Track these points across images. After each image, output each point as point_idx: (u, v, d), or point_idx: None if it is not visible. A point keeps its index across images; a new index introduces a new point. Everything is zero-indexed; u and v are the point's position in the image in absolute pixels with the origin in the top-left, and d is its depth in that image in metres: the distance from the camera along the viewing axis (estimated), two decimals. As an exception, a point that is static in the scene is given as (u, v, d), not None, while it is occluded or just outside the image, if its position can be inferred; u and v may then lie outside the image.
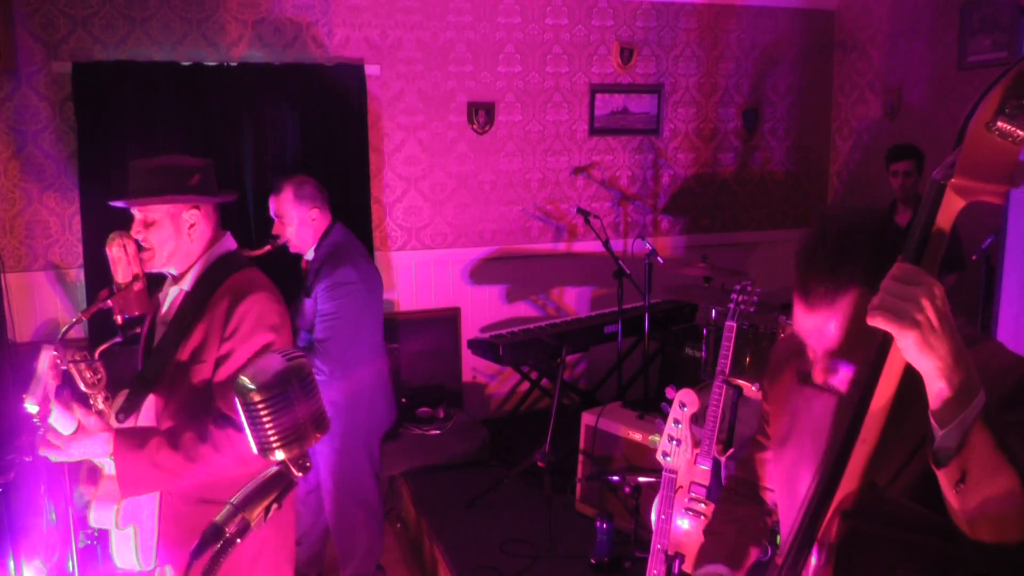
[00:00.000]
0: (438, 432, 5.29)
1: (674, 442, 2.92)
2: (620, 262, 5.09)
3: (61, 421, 2.25)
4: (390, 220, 5.72)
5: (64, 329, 2.44)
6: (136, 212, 2.45)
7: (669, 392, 2.96)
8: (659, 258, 4.85)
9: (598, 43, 5.96)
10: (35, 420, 2.32)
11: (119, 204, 2.43)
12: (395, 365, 5.25)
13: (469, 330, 5.85)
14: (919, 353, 1.21)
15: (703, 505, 3.38)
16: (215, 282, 2.45)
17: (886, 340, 1.31)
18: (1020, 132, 1.17)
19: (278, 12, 5.25)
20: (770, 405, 1.84)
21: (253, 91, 5.15)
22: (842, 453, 1.38)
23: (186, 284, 2.49)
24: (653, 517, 3.16)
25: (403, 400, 5.43)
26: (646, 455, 4.23)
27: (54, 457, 2.22)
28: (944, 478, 1.25)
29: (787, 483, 1.69)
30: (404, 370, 5.52)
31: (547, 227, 6.09)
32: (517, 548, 4.25)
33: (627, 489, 4.14)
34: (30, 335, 5.07)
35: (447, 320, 5.89)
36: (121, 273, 2.44)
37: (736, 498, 1.93)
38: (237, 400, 1.22)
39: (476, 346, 5.12)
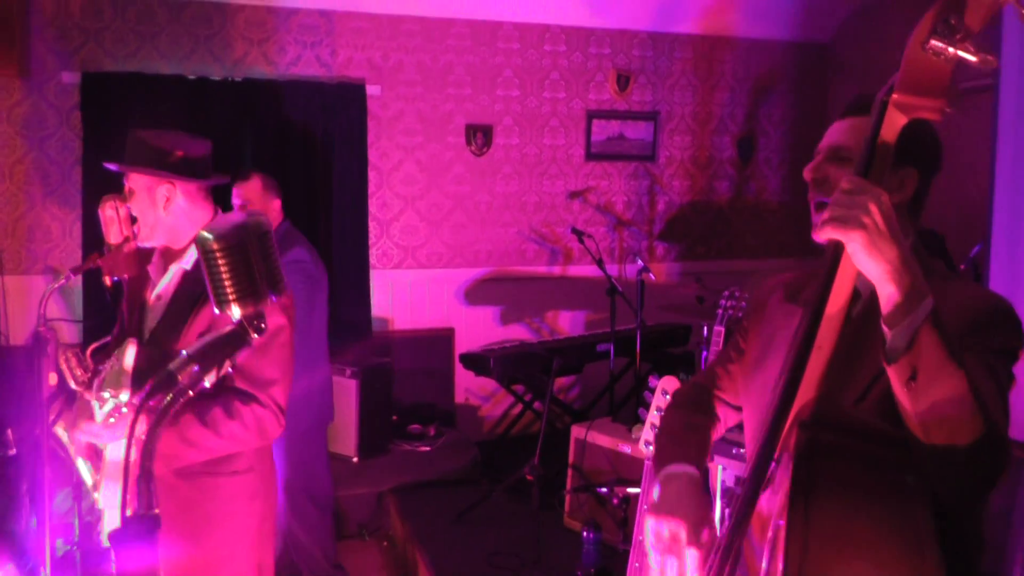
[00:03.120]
0: (428, 449, 5.29)
1: (657, 430, 2.92)
2: (613, 280, 5.14)
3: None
4: (387, 238, 5.79)
5: (50, 287, 2.47)
6: (124, 180, 2.51)
7: (652, 381, 2.98)
8: (651, 274, 4.89)
9: (595, 70, 6.09)
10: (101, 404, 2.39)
11: (108, 165, 2.49)
12: (387, 382, 5.27)
13: (463, 350, 5.87)
14: (867, 256, 1.26)
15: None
16: None
17: (838, 248, 1.37)
18: (951, 50, 1.25)
19: (283, 31, 5.38)
20: (750, 323, 1.87)
21: (256, 106, 5.27)
22: (799, 361, 1.41)
23: (187, 263, 2.48)
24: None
25: (394, 418, 5.44)
26: (636, 468, 4.22)
27: (87, 439, 2.31)
28: (895, 376, 1.29)
29: (759, 403, 1.71)
30: (396, 388, 5.53)
31: (542, 250, 6.15)
32: (504, 561, 4.22)
33: (615, 501, 4.13)
34: (24, 338, 5.10)
35: (441, 339, 5.92)
36: (113, 234, 2.48)
37: (691, 405, 1.92)
38: (198, 253, 1.27)
39: (467, 360, 5.15)
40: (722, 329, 3.81)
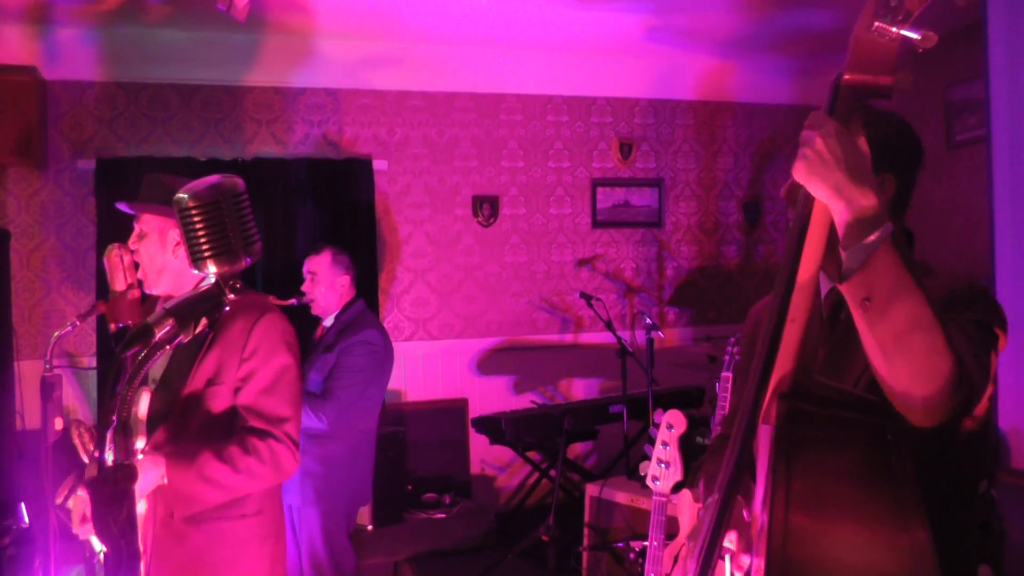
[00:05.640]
0: (444, 517, 5.22)
1: (663, 465, 2.89)
2: (623, 342, 5.14)
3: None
4: (398, 311, 5.83)
5: (57, 334, 2.52)
6: (134, 224, 2.57)
7: (657, 415, 2.96)
8: (659, 332, 4.89)
9: (598, 139, 6.21)
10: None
11: (120, 206, 2.57)
12: (400, 450, 5.24)
13: (476, 418, 5.86)
14: (809, 184, 1.34)
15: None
16: None
17: (806, 210, 1.41)
18: (894, 29, 1.32)
19: (291, 111, 5.55)
20: (747, 348, 1.91)
21: (266, 185, 5.39)
22: (775, 334, 1.43)
23: None
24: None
25: (409, 487, 5.39)
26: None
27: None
28: (850, 295, 1.32)
29: None
30: (411, 459, 5.49)
31: (553, 318, 6.17)
32: (522, 626, 4.14)
33: (632, 555, 4.06)
34: (39, 422, 5.12)
35: (455, 411, 5.90)
36: (117, 281, 2.53)
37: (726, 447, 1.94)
38: (177, 216, 1.31)
39: (480, 424, 5.14)
40: (730, 375, 3.79)
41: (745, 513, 1.51)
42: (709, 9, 5.14)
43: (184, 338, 1.20)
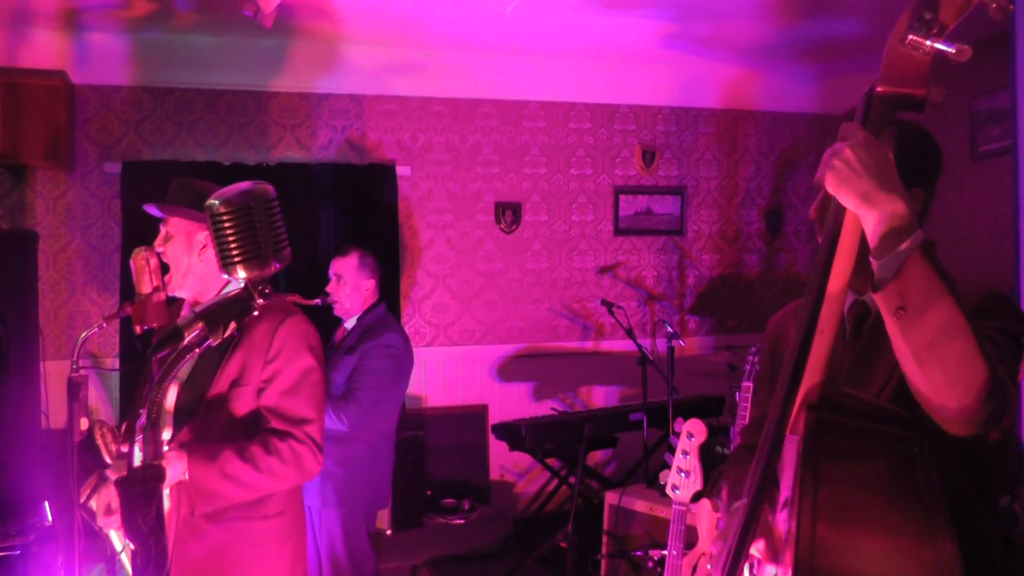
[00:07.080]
0: (462, 522, 5.22)
1: (683, 474, 2.88)
2: (644, 350, 5.13)
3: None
4: (419, 316, 5.85)
5: (83, 335, 2.54)
6: (161, 226, 2.61)
7: (678, 424, 2.95)
8: (680, 341, 4.88)
9: (620, 146, 6.22)
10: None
11: (149, 208, 2.60)
12: (419, 454, 5.25)
13: (496, 424, 5.87)
14: (839, 193, 1.34)
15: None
16: None
17: (837, 221, 1.41)
18: (927, 44, 1.33)
19: (315, 116, 5.59)
20: (769, 362, 1.95)
21: (289, 189, 5.41)
22: (803, 346, 1.43)
23: None
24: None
25: (428, 492, 5.40)
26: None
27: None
28: (884, 305, 1.32)
29: None
30: (430, 464, 5.50)
31: (574, 325, 6.17)
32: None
33: (650, 564, 4.05)
34: (63, 422, 5.17)
35: (475, 416, 5.91)
36: (143, 284, 2.56)
37: (748, 457, 1.95)
38: (208, 222, 1.32)
39: (500, 430, 5.14)
40: (750, 384, 3.78)
41: (770, 520, 1.51)
42: (732, 17, 5.14)
43: (213, 342, 1.22)
